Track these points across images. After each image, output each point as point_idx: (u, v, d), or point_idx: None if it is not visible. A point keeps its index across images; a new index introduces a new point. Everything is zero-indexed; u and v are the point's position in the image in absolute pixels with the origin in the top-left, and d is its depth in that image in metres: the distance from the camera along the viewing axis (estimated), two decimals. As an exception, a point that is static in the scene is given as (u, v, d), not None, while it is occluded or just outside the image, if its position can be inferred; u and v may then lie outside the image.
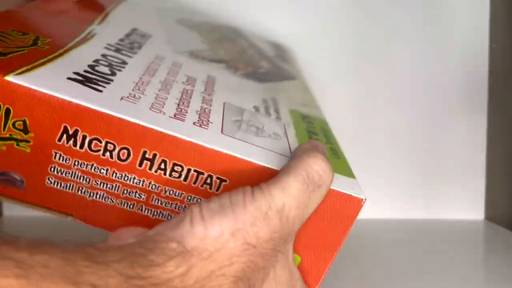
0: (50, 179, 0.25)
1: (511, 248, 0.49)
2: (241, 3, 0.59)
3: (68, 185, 0.26)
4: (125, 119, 0.24)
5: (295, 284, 0.26)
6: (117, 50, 0.31)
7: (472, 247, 0.50)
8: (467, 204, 0.61)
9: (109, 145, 0.25)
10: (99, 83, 0.26)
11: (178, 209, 0.26)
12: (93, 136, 0.24)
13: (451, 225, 0.58)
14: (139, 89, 0.27)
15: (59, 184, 0.26)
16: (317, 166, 0.24)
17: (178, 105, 0.28)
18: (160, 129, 0.24)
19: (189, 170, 0.25)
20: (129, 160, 0.25)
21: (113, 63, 0.29)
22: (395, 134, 0.60)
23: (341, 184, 0.26)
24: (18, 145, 0.24)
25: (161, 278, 0.20)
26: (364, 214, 0.61)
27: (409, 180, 0.61)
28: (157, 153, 0.25)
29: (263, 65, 0.44)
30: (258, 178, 0.25)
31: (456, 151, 0.61)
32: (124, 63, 0.30)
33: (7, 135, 0.24)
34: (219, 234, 0.22)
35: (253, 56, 0.46)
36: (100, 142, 0.24)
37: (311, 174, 0.24)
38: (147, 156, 0.25)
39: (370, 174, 0.61)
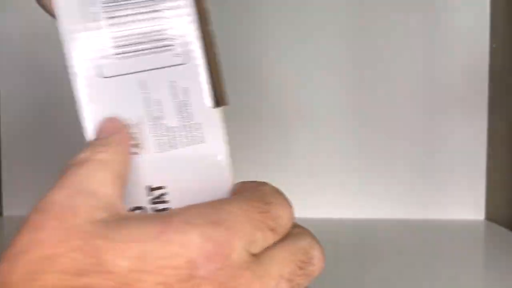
0: None
1: (511, 248, 0.49)
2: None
3: None
4: None
5: None
6: None
7: (473, 247, 0.50)
8: (467, 204, 0.61)
9: None
10: None
11: None
12: None
13: (451, 225, 0.58)
14: None
15: None
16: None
17: None
18: None
19: None
20: None
21: None
22: (395, 135, 0.60)
23: None
24: None
25: None
26: (364, 214, 0.61)
27: (409, 180, 0.61)
28: None
29: None
30: None
31: (456, 151, 0.61)
32: None
33: None
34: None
35: None
36: None
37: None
38: None
39: (370, 175, 0.61)
